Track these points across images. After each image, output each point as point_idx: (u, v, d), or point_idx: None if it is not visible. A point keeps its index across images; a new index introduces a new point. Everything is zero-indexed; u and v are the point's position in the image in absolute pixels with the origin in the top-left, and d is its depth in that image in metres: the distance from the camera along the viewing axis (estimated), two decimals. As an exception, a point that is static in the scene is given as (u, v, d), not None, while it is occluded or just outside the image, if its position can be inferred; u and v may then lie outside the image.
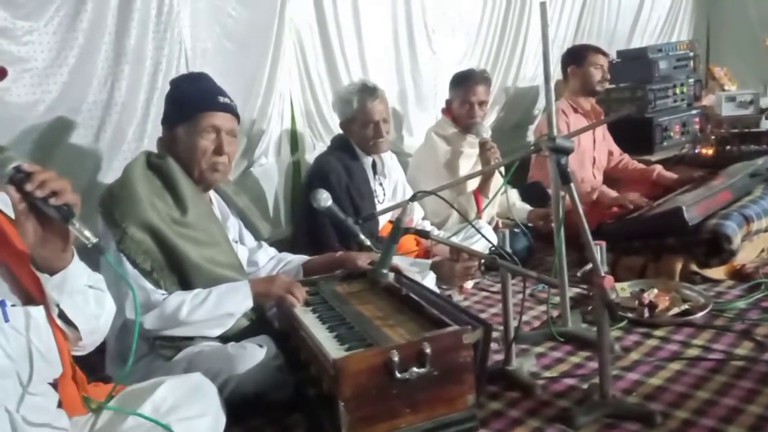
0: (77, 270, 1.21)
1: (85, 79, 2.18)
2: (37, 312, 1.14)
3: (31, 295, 1.15)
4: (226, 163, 1.92)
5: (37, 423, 1.12)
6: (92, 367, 1.33)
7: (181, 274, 1.80)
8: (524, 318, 2.33)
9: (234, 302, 1.79)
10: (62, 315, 1.20)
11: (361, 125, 2.68)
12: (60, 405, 1.20)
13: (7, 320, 1.09)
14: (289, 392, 1.76)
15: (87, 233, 1.11)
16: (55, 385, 1.19)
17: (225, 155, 1.90)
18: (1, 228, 1.17)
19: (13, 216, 1.15)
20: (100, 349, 1.82)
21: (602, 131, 3.58)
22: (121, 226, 1.72)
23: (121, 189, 1.78)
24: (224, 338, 1.81)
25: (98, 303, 1.28)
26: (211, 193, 2.04)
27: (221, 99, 1.90)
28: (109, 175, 2.26)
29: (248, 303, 1.81)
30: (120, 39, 2.24)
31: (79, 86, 2.16)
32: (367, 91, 2.70)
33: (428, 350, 1.44)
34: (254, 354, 1.71)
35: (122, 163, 2.28)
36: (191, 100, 1.88)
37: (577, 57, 3.53)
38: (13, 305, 1.11)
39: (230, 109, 1.92)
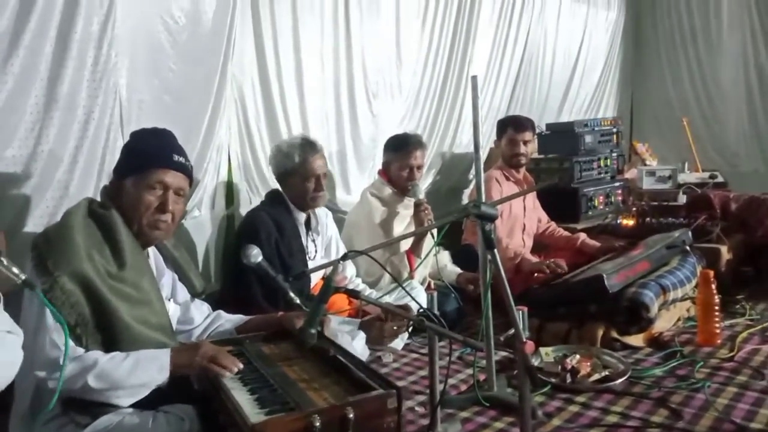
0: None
1: (12, 125, 2.11)
2: None
3: None
4: (168, 222, 1.85)
5: None
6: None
7: (108, 333, 1.70)
8: (452, 381, 2.36)
9: (149, 373, 1.67)
10: None
11: (302, 179, 2.70)
12: None
13: None
14: None
15: (15, 270, 1.11)
16: None
17: (168, 213, 1.83)
18: None
19: None
20: (4, 409, 1.71)
21: (532, 199, 3.71)
22: (53, 274, 1.62)
23: (58, 235, 1.69)
24: (140, 403, 1.68)
25: (15, 347, 1.23)
26: (150, 248, 1.97)
27: (176, 157, 1.86)
28: (31, 224, 2.18)
29: (164, 375, 1.69)
30: (52, 85, 2.19)
31: (6, 131, 2.10)
32: (309, 145, 2.74)
33: (351, 415, 1.41)
34: None
35: (45, 212, 2.21)
36: (146, 153, 1.84)
37: (499, 130, 3.69)
38: None
39: (183, 169, 1.87)
